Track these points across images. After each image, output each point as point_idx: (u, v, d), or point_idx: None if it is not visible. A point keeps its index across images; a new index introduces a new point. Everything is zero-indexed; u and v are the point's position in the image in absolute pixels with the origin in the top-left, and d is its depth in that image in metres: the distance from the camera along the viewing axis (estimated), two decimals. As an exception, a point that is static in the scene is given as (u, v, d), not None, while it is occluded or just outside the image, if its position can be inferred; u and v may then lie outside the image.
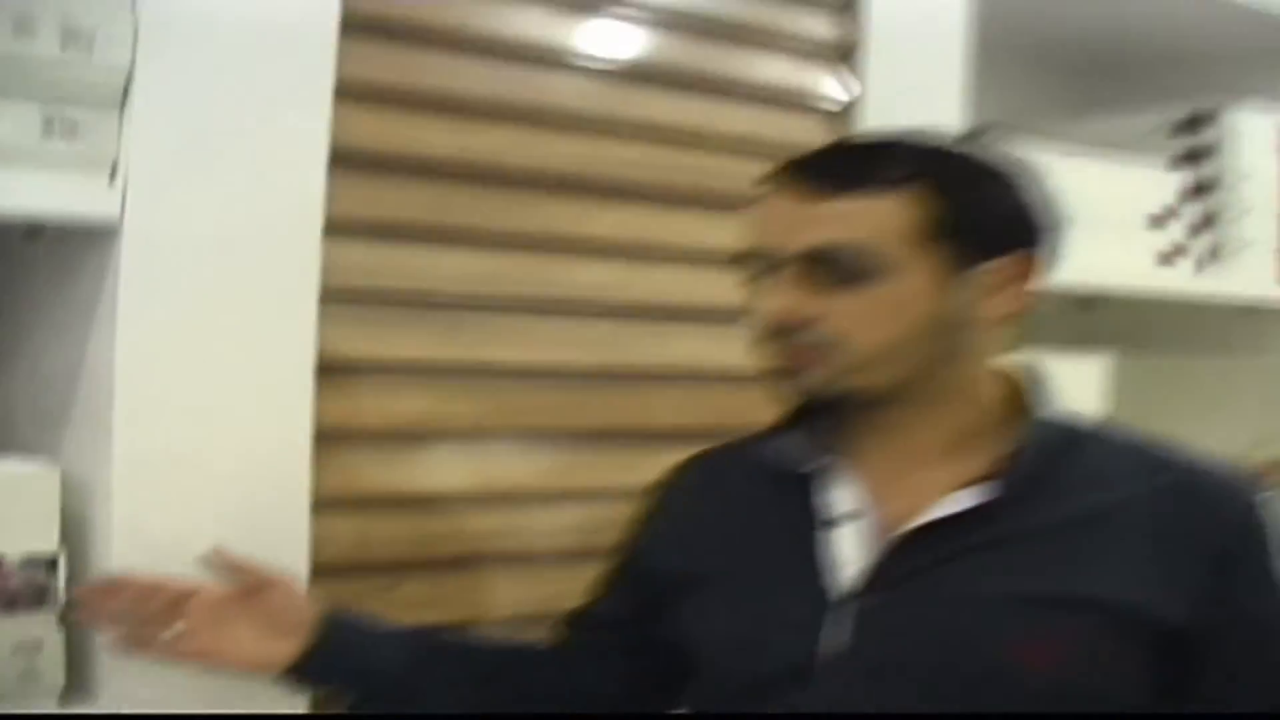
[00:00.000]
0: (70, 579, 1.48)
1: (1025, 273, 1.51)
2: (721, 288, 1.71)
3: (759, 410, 1.53)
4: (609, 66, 1.85)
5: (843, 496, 1.55)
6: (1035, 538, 1.51)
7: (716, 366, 1.89)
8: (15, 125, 1.45)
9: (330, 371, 1.61)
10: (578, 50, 1.83)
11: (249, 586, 1.55)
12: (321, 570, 1.62)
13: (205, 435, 1.54)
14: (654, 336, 1.86)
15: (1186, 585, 1.51)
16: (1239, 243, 2.76)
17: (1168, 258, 2.66)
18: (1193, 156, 2.75)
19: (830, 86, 2.06)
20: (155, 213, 1.49)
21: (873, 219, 1.46)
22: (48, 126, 1.46)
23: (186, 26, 1.51)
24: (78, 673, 1.52)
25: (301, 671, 1.56)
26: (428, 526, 1.74)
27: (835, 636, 1.50)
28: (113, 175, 1.49)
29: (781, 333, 1.48)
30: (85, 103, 1.48)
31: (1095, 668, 1.50)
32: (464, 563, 1.75)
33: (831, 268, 1.46)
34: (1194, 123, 2.76)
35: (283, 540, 1.59)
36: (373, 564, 1.70)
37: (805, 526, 1.55)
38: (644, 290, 1.84)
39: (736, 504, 1.63)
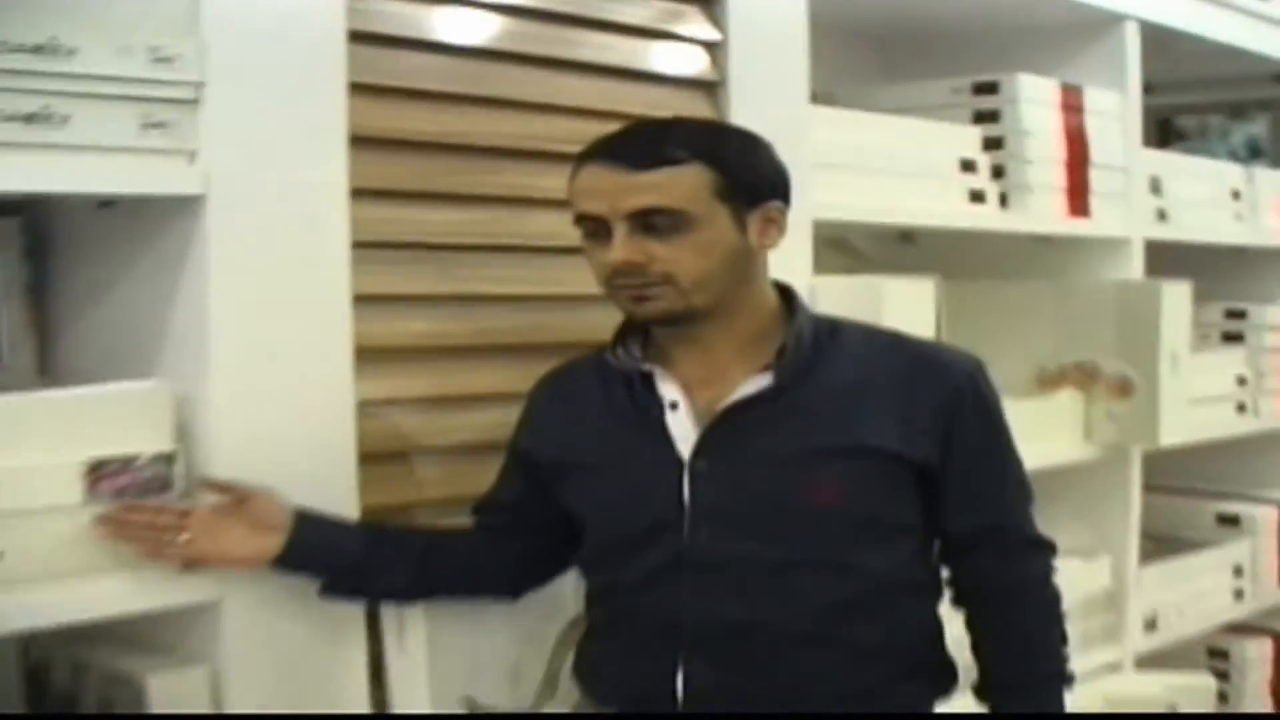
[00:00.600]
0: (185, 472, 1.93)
1: (779, 214, 2.00)
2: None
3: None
4: (543, 64, 2.34)
5: (667, 391, 2.00)
6: (811, 407, 1.99)
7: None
8: (119, 125, 1.87)
9: (362, 302, 2.07)
10: (520, 50, 2.31)
11: (236, 499, 1.96)
12: (365, 458, 2.08)
13: (275, 354, 1.99)
14: (578, 268, 2.31)
15: (926, 432, 2.00)
16: (1030, 186, 3.26)
17: (975, 198, 3.16)
18: (986, 116, 3.26)
19: (702, 67, 2.56)
20: (229, 185, 1.94)
21: (679, 186, 1.91)
22: (143, 125, 1.90)
23: (240, 46, 1.96)
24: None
25: (283, 561, 1.98)
26: (436, 422, 2.21)
27: (679, 495, 1.97)
28: (192, 159, 1.94)
29: (623, 276, 1.93)
30: (170, 105, 1.91)
31: (870, 498, 2.00)
32: (462, 450, 2.22)
33: (654, 224, 1.90)
34: (985, 88, 3.27)
35: (337, 442, 2.05)
36: (400, 452, 2.17)
37: (644, 416, 2.00)
38: (572, 233, 2.31)
39: (592, 402, 2.07)
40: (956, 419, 2.02)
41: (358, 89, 2.08)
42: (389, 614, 2.12)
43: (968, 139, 3.19)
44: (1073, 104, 3.40)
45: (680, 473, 1.98)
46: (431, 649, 2.14)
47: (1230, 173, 4.13)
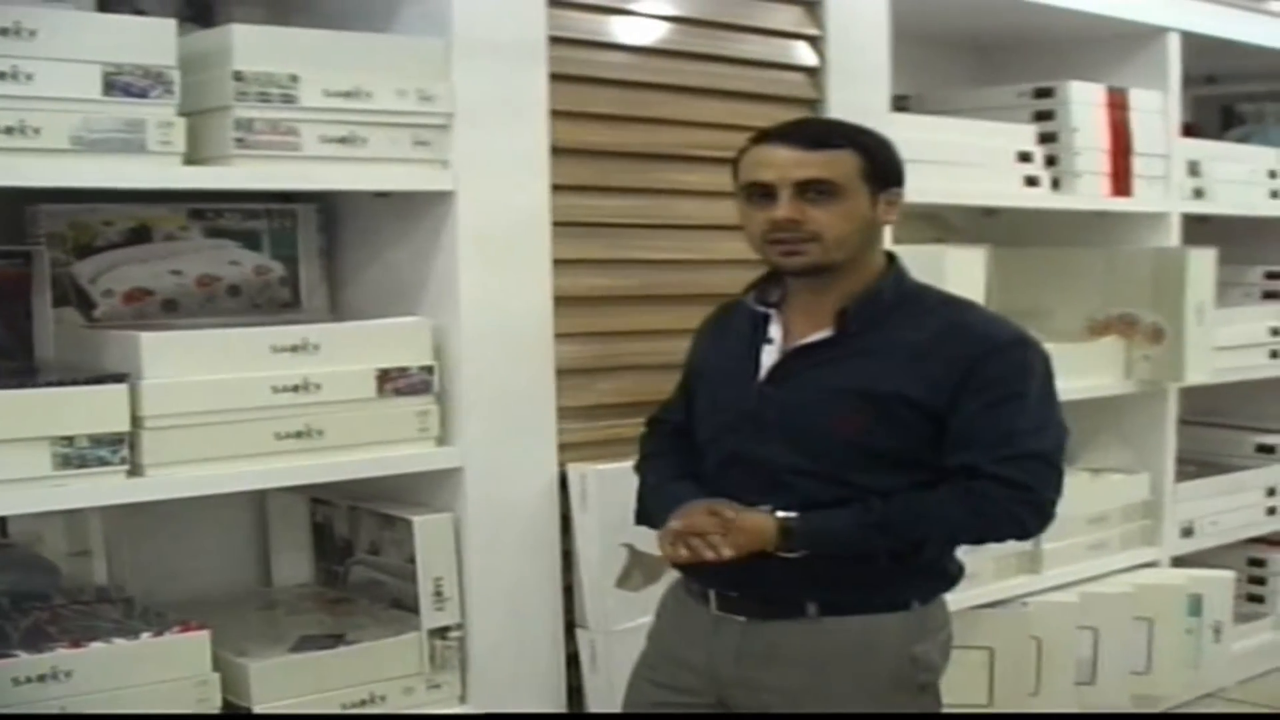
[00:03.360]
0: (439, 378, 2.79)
1: (898, 199, 2.46)
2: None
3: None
4: (688, 91, 3.17)
5: (773, 329, 2.46)
6: (859, 355, 2.39)
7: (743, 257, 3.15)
8: (398, 144, 2.73)
9: (559, 263, 2.93)
10: (671, 82, 3.15)
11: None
12: (560, 373, 2.94)
13: (501, 298, 2.83)
14: (716, 240, 3.15)
15: (944, 384, 2.36)
16: (1077, 172, 3.97)
17: (1030, 182, 3.92)
18: (1044, 115, 3.99)
19: (806, 89, 3.37)
20: (471, 184, 2.79)
21: (838, 165, 2.36)
22: (414, 143, 2.75)
23: (477, 89, 2.79)
24: (447, 432, 2.82)
25: None
26: (611, 349, 3.07)
27: (747, 408, 2.44)
28: (445, 166, 2.79)
29: (780, 231, 2.36)
30: (431, 129, 2.76)
31: (883, 434, 2.38)
32: (631, 369, 3.07)
33: (814, 193, 2.34)
34: (1042, 92, 4.01)
35: (541, 361, 2.91)
36: (585, 370, 3.02)
37: (752, 346, 2.47)
38: (709, 214, 3.14)
39: (731, 332, 2.54)
40: (970, 378, 2.35)
41: (556, 114, 2.92)
42: (574, 480, 2.94)
43: (1023, 135, 3.93)
44: (1118, 103, 4.10)
45: (753, 391, 2.46)
46: (602, 506, 2.93)
47: (1266, 154, 4.72)
